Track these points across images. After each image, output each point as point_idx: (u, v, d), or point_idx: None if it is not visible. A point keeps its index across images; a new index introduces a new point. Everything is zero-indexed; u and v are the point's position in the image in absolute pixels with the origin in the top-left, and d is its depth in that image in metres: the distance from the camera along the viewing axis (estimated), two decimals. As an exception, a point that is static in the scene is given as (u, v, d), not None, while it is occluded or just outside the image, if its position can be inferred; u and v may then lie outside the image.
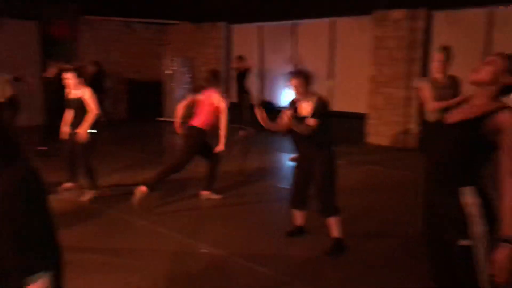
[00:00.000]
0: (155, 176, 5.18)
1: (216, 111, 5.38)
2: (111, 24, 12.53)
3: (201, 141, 5.42)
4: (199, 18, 12.50)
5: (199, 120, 5.39)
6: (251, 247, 4.25)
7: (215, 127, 5.41)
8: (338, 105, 10.21)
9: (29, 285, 1.42)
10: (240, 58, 10.43)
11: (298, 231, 4.46)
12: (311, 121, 3.95)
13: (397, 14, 8.94)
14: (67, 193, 5.75)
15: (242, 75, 9.99)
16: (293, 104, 4.19)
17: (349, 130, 9.74)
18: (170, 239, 4.39)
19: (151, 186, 5.05)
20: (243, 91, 9.82)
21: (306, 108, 4.06)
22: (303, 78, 4.05)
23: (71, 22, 12.03)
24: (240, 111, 9.85)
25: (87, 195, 5.57)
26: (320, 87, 9.65)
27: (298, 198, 4.28)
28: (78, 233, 4.45)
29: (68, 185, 5.86)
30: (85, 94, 5.40)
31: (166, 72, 12.67)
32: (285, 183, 6.01)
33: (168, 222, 4.81)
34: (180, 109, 5.58)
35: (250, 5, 11.04)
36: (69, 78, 5.43)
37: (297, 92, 4.07)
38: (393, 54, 9.08)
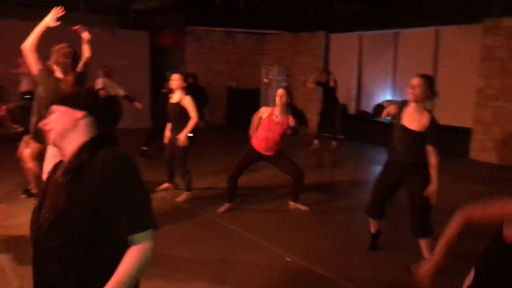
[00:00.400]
0: (297, 191, 5.43)
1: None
2: (214, 34, 13.09)
3: None
4: (298, 28, 12.61)
5: None
6: (335, 259, 4.18)
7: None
8: (440, 118, 9.68)
9: (140, 241, 1.59)
10: (325, 71, 10.33)
11: (375, 237, 4.33)
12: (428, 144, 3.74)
13: (510, 22, 8.29)
14: (164, 193, 6.09)
15: (330, 87, 9.87)
16: (401, 107, 3.89)
17: (452, 145, 9.19)
18: (257, 245, 4.46)
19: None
20: (333, 101, 9.63)
21: (417, 120, 3.77)
22: (428, 81, 3.77)
23: (177, 32, 12.78)
24: (331, 122, 9.72)
25: (183, 196, 5.86)
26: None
27: (378, 207, 4.11)
28: (169, 232, 4.69)
29: (165, 185, 6.21)
30: (185, 100, 5.69)
31: (264, 80, 12.93)
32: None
33: (256, 229, 4.90)
34: None
35: (350, 15, 10.91)
36: (175, 80, 5.75)
37: (414, 95, 3.74)
38: (505, 65, 8.42)
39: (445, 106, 9.51)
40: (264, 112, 5.49)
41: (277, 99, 5.31)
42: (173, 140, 5.78)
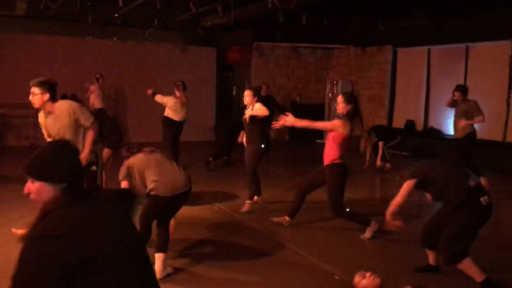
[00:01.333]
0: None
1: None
2: (279, 49, 13.26)
3: None
4: (364, 42, 12.47)
5: None
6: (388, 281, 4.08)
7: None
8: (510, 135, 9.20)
9: None
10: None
11: (430, 270, 4.15)
12: None
13: None
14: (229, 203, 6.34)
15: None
16: None
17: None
18: (306, 260, 4.45)
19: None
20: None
21: None
22: None
23: (244, 48, 13.09)
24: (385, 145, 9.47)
25: (246, 206, 5.98)
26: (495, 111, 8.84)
27: (432, 237, 3.96)
28: (220, 241, 4.80)
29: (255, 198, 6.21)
30: (256, 106, 5.87)
31: (328, 95, 12.89)
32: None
33: (307, 244, 4.89)
34: None
35: (418, 28, 10.65)
36: (247, 96, 5.95)
37: None
38: None
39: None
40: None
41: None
42: (247, 149, 6.04)
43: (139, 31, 12.04)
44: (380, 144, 8.94)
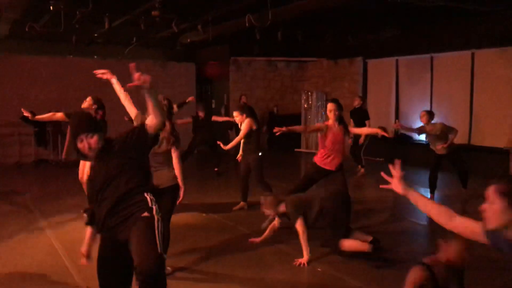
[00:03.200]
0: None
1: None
2: (256, 63, 13.80)
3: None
4: (336, 55, 13.11)
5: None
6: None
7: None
8: (478, 139, 9.85)
9: None
10: (361, 98, 10.75)
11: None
12: None
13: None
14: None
15: (362, 114, 10.26)
16: None
17: (491, 166, 9.32)
18: (309, 267, 4.90)
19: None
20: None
21: None
22: None
23: (222, 63, 13.58)
24: (358, 149, 10.10)
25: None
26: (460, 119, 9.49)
27: None
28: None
29: (241, 204, 6.92)
30: (244, 123, 6.63)
31: (304, 105, 13.47)
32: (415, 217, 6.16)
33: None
34: None
35: (387, 40, 11.31)
36: (236, 117, 6.76)
37: None
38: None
39: (483, 127, 9.69)
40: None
41: (329, 113, 5.66)
42: (244, 158, 6.74)
43: (120, 49, 12.40)
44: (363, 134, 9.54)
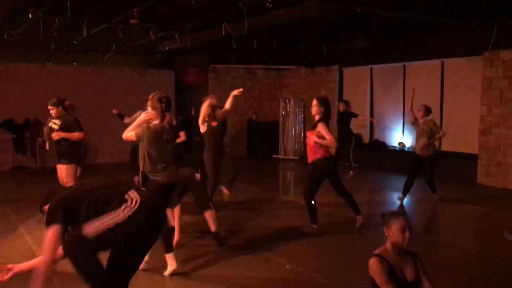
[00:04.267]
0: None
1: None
2: (235, 71, 14.02)
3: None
4: (313, 63, 13.42)
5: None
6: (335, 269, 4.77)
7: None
8: (447, 145, 10.21)
9: None
10: (346, 102, 11.04)
11: None
12: None
13: (508, 54, 8.87)
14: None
15: (348, 117, 10.55)
16: None
17: (459, 171, 9.68)
18: (280, 266, 5.08)
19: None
20: (349, 132, 10.38)
21: None
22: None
23: (201, 71, 13.76)
24: (347, 151, 10.37)
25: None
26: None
27: None
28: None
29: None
30: None
31: (282, 113, 13.72)
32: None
33: (280, 250, 5.52)
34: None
35: (362, 49, 11.65)
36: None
37: None
38: (505, 95, 8.97)
39: (452, 133, 10.05)
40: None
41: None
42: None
43: (99, 56, 12.49)
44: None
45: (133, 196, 3.00)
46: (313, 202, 5.93)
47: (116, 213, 2.91)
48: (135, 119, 8.07)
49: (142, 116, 4.77)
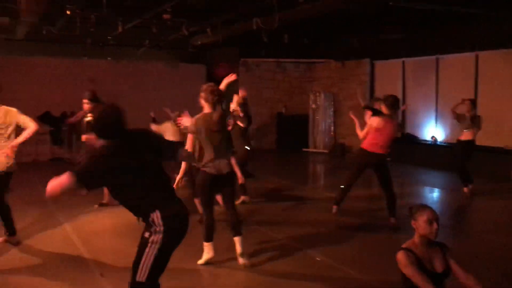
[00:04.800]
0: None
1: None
2: (265, 64, 14.08)
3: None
4: (344, 56, 13.34)
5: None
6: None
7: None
8: (482, 140, 9.99)
9: None
10: (377, 99, 10.89)
11: None
12: None
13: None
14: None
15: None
16: None
17: (494, 166, 9.48)
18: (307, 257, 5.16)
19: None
20: None
21: None
22: None
23: (231, 64, 13.86)
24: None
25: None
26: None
27: None
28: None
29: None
30: None
31: (312, 106, 13.71)
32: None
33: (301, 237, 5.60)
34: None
35: (393, 42, 11.51)
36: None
37: None
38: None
39: (486, 128, 9.83)
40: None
41: None
42: None
43: (132, 51, 12.77)
44: None
45: None
46: None
47: None
48: (163, 129, 8.15)
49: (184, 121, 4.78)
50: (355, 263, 4.77)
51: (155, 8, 8.23)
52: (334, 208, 6.49)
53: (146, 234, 2.81)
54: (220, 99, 4.72)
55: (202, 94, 4.69)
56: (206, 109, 4.69)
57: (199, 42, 11.78)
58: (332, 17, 8.92)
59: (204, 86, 4.77)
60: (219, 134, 4.63)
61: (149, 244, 2.77)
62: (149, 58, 13.14)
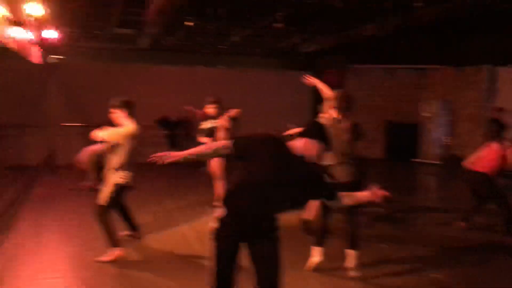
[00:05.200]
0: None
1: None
2: (374, 71, 13.75)
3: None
4: (460, 62, 12.54)
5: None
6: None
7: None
8: None
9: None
10: (500, 109, 10.10)
11: None
12: None
13: None
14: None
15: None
16: None
17: None
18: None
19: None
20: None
21: None
22: None
23: (339, 71, 13.75)
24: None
25: None
26: None
27: None
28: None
29: None
30: None
31: (424, 114, 13.08)
32: None
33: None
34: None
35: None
36: None
37: None
38: None
39: None
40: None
41: None
42: None
43: (242, 59, 13.22)
44: None
45: None
46: None
47: None
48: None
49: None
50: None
51: (267, 17, 8.45)
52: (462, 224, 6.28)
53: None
54: (351, 106, 4.65)
55: (335, 102, 4.62)
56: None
57: (309, 50, 11.85)
58: (447, 22, 8.46)
59: (336, 93, 4.77)
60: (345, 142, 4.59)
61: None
62: (258, 66, 13.51)
